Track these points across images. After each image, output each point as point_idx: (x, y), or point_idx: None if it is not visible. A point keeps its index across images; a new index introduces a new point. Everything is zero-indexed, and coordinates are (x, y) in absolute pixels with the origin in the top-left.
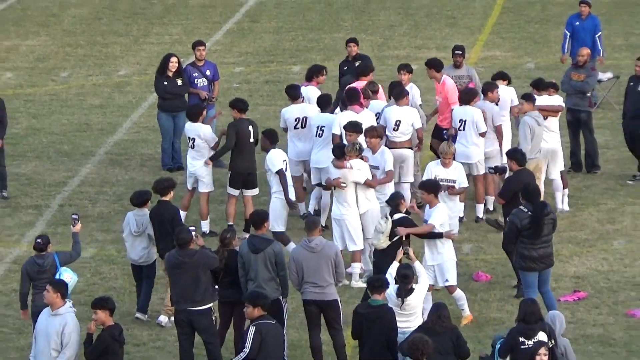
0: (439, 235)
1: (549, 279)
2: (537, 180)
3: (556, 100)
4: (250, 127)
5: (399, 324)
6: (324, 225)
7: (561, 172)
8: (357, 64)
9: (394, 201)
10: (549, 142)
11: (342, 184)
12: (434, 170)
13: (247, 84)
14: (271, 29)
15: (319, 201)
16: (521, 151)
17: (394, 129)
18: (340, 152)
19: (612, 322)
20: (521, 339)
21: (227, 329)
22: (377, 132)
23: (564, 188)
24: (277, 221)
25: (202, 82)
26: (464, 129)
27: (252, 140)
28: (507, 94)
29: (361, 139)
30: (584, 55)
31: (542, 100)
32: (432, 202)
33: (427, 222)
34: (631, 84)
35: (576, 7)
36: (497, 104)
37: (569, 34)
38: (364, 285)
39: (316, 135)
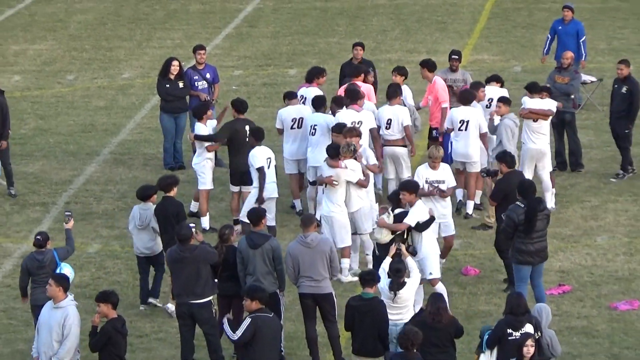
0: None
1: (542, 272)
2: None
3: (548, 104)
4: (247, 127)
5: (391, 316)
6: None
7: (550, 172)
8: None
9: (396, 197)
10: (537, 144)
11: (334, 182)
12: (424, 173)
13: (246, 87)
14: (268, 34)
15: (315, 202)
16: (510, 154)
17: (385, 128)
18: (335, 152)
19: (595, 315)
20: (509, 331)
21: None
22: (356, 132)
23: (552, 187)
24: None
25: (202, 84)
26: (466, 129)
27: (264, 136)
28: (499, 95)
29: (364, 139)
30: (568, 59)
31: (534, 103)
32: (413, 202)
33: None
34: (615, 86)
35: (561, 13)
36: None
37: (550, 37)
38: (354, 279)
39: (310, 134)
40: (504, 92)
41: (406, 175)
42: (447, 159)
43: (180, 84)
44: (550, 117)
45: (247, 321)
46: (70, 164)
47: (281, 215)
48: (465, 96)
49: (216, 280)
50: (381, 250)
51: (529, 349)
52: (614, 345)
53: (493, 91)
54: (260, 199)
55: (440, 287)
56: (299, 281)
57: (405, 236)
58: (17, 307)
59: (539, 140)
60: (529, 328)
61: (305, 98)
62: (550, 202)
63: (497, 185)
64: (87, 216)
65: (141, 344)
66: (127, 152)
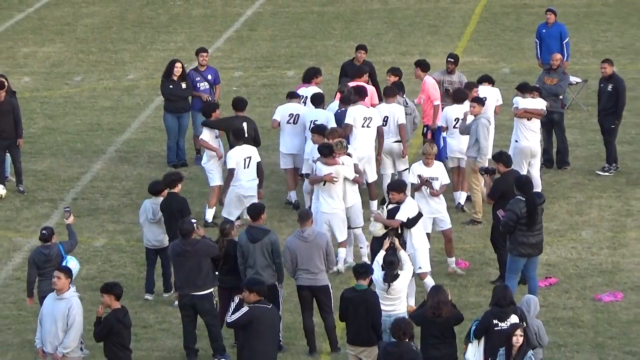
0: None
1: (536, 265)
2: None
3: (539, 103)
4: (245, 124)
5: (385, 307)
6: (294, 201)
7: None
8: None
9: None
10: (530, 141)
11: (335, 179)
12: (417, 169)
13: (246, 87)
14: (267, 37)
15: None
16: (506, 153)
17: (382, 125)
18: (329, 151)
19: (580, 306)
20: (495, 321)
21: (227, 312)
22: (337, 133)
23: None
24: (228, 209)
25: (204, 85)
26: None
27: (245, 136)
28: (492, 94)
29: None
30: (557, 61)
31: (527, 102)
32: (402, 200)
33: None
34: (601, 85)
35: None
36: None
37: (538, 41)
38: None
39: (309, 129)
40: (496, 92)
41: (402, 168)
42: (442, 156)
43: (183, 85)
44: (541, 117)
45: (245, 309)
46: (78, 162)
47: (280, 210)
48: (458, 95)
49: (217, 273)
50: (376, 244)
51: (518, 339)
52: (598, 335)
53: (485, 91)
54: (219, 200)
55: (429, 281)
56: (297, 274)
57: (400, 230)
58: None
59: (532, 138)
60: (514, 319)
61: (306, 97)
62: None
63: (495, 183)
64: (94, 212)
65: (146, 334)
66: (132, 150)
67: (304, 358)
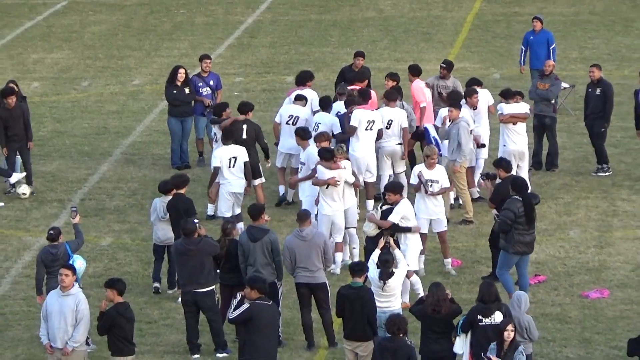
0: (407, 229)
1: (528, 263)
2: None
3: (523, 107)
4: (244, 126)
5: (380, 304)
6: (290, 200)
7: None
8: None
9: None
10: (517, 144)
11: (338, 183)
12: (418, 171)
13: (246, 92)
14: (267, 44)
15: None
16: (506, 159)
17: (386, 127)
18: (331, 155)
19: (568, 303)
20: (479, 317)
21: (228, 308)
22: (324, 137)
23: None
24: (219, 207)
25: (206, 91)
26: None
27: (244, 137)
28: (483, 96)
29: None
30: (550, 67)
31: (512, 107)
32: (397, 201)
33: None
34: (589, 89)
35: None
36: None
37: (524, 48)
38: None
39: (312, 130)
40: (487, 93)
41: (401, 169)
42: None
43: (187, 90)
44: (526, 120)
45: (246, 306)
46: (85, 164)
47: (279, 210)
48: (453, 97)
49: (218, 270)
50: (370, 243)
51: (509, 334)
52: (585, 331)
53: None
54: (209, 196)
55: (415, 279)
56: (295, 272)
57: (394, 230)
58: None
59: (519, 140)
60: (498, 315)
61: (306, 99)
62: None
63: (496, 188)
64: (100, 212)
65: (150, 329)
66: (137, 153)
67: (303, 352)
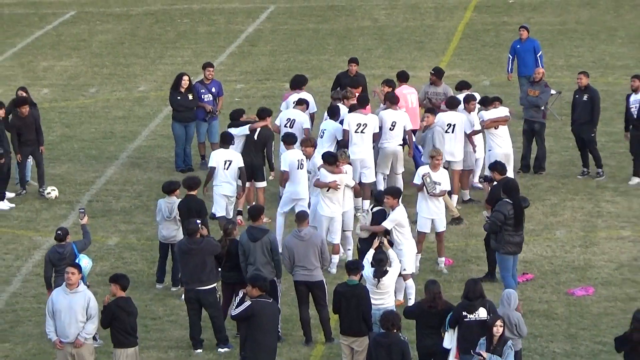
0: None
1: (517, 262)
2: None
3: (502, 111)
4: (259, 129)
5: (374, 301)
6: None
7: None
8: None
9: (379, 197)
10: (503, 147)
11: (338, 186)
12: (424, 172)
13: (247, 99)
14: (267, 52)
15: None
16: (501, 162)
17: (390, 129)
18: (334, 160)
19: (555, 300)
20: (464, 313)
21: (229, 305)
22: (310, 143)
23: None
24: (216, 207)
25: (207, 97)
26: (453, 131)
27: (255, 138)
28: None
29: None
30: (539, 74)
31: (491, 113)
32: (394, 206)
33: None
34: (576, 96)
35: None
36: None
37: (511, 57)
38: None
39: (319, 137)
40: (477, 96)
41: (400, 170)
42: (416, 159)
43: (190, 97)
44: (508, 122)
45: (247, 303)
46: (93, 167)
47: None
48: (451, 102)
49: (220, 269)
50: (363, 244)
51: (498, 329)
52: (571, 327)
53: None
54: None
55: (410, 283)
56: (294, 270)
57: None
58: (46, 293)
59: (503, 143)
60: (482, 312)
61: (307, 103)
62: None
63: (491, 191)
64: (107, 213)
65: (155, 325)
66: (142, 156)
67: (301, 347)
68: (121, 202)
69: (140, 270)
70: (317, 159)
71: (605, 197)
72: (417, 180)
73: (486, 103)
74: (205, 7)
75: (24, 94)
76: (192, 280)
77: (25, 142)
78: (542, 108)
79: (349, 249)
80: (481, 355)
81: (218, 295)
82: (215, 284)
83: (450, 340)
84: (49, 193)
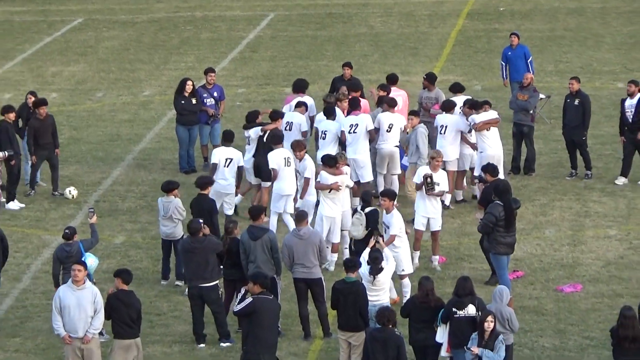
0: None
1: (509, 262)
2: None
3: (492, 114)
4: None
5: (370, 298)
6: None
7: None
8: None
9: (368, 197)
10: (493, 148)
11: (340, 187)
12: (424, 171)
13: (248, 102)
14: (267, 58)
15: None
16: (492, 164)
17: (387, 131)
18: (334, 162)
19: (544, 296)
20: (454, 309)
21: (231, 301)
22: (302, 146)
23: None
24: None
25: (210, 101)
26: (444, 133)
27: (265, 139)
28: (460, 101)
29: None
30: (528, 79)
31: (482, 116)
32: (390, 209)
33: (390, 229)
34: (568, 100)
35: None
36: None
37: (504, 63)
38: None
39: (320, 138)
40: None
41: (397, 171)
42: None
43: (193, 101)
44: (498, 124)
45: (249, 300)
46: (99, 168)
47: None
48: (447, 105)
49: (222, 267)
50: (358, 245)
51: (489, 324)
52: (560, 322)
53: (458, 99)
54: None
55: (406, 282)
56: (293, 268)
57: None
58: (54, 290)
59: (494, 145)
60: (471, 309)
61: (306, 105)
62: None
63: (483, 192)
64: (114, 212)
65: (160, 320)
66: (147, 158)
67: (300, 342)
68: (127, 202)
69: (145, 268)
70: (319, 160)
71: (593, 198)
72: (417, 179)
73: (476, 106)
74: (207, 14)
75: (33, 98)
76: (195, 277)
77: (43, 145)
78: (531, 112)
79: (345, 248)
80: (472, 351)
81: (220, 292)
82: (217, 281)
83: (442, 335)
84: (70, 192)
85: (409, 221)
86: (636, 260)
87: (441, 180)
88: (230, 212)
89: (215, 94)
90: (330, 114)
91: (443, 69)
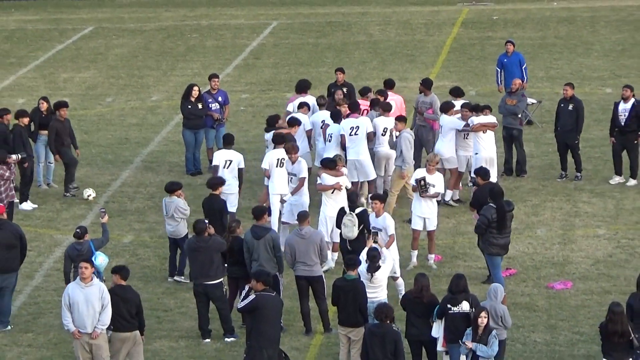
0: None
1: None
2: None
3: (491, 118)
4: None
5: (368, 295)
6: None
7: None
8: (344, 88)
9: (352, 198)
10: (487, 150)
11: (341, 188)
12: (419, 174)
13: (252, 108)
14: (270, 64)
15: None
16: (485, 168)
17: (382, 135)
18: (334, 164)
19: (536, 293)
20: (448, 306)
21: (235, 298)
22: (294, 150)
23: None
24: None
25: (215, 106)
26: (441, 132)
27: (230, 142)
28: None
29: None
30: (516, 85)
31: (481, 119)
32: (380, 212)
33: (387, 230)
34: (562, 105)
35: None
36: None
37: (499, 70)
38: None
39: (327, 141)
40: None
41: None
42: None
43: (199, 106)
44: (495, 128)
45: (252, 297)
46: (109, 170)
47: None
48: (445, 106)
49: (226, 265)
50: (353, 244)
51: (483, 320)
52: (551, 318)
53: (457, 103)
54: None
55: (399, 282)
56: (295, 266)
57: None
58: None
59: (488, 147)
60: (465, 305)
61: (309, 105)
62: None
63: (474, 194)
64: (122, 213)
65: (167, 316)
66: (155, 161)
67: (301, 337)
68: (135, 202)
69: (152, 266)
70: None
71: (583, 199)
72: (413, 181)
73: (477, 109)
74: (213, 23)
75: (45, 104)
76: (201, 275)
77: (67, 145)
78: (519, 115)
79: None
80: (466, 345)
81: (224, 289)
82: (221, 279)
83: (437, 330)
84: (89, 195)
85: (406, 221)
86: (624, 258)
87: (436, 182)
88: (232, 209)
89: (219, 99)
90: (337, 118)
91: (439, 75)
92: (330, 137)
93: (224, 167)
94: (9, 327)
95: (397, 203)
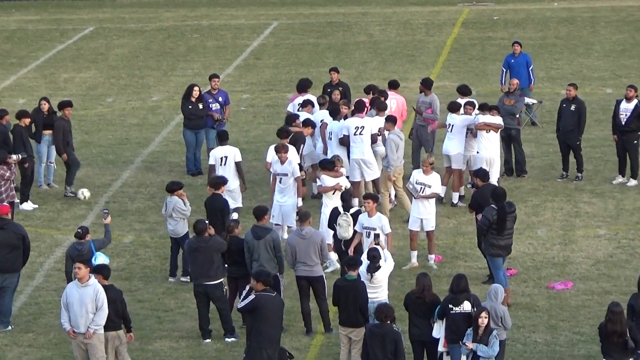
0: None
1: (504, 261)
2: (387, 186)
3: (497, 119)
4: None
5: (368, 295)
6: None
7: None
8: (340, 88)
9: (346, 197)
10: (488, 150)
11: (342, 188)
12: (416, 176)
13: (252, 108)
14: (271, 65)
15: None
16: (484, 170)
17: (377, 135)
18: (333, 166)
19: (536, 293)
20: (450, 306)
21: (235, 298)
22: (285, 149)
23: None
24: None
25: (215, 106)
26: (451, 131)
27: (226, 138)
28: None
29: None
30: (514, 85)
31: (487, 118)
32: (373, 211)
33: (384, 229)
34: (564, 105)
35: (507, 49)
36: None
37: (505, 70)
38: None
39: (329, 139)
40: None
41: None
42: None
43: (200, 106)
44: (500, 130)
45: (252, 297)
46: (110, 170)
47: None
48: (452, 106)
49: (226, 265)
50: (347, 245)
51: (483, 320)
52: (551, 318)
53: (461, 101)
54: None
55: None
56: (296, 266)
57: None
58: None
59: (490, 147)
60: (467, 305)
61: (312, 103)
62: None
63: (473, 196)
64: (123, 213)
65: (167, 317)
66: (155, 161)
67: (302, 337)
68: (136, 203)
69: (153, 266)
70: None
71: (583, 199)
72: (407, 184)
73: (484, 108)
74: (213, 23)
75: (47, 104)
76: (201, 275)
77: (71, 146)
78: (517, 116)
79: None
80: (467, 346)
81: (224, 290)
82: (222, 279)
83: (438, 330)
84: (83, 194)
85: (406, 221)
86: (624, 258)
87: (433, 182)
88: (238, 204)
89: (220, 99)
90: (335, 114)
91: (439, 75)
92: (331, 135)
93: (221, 164)
94: (10, 327)
95: (397, 203)
